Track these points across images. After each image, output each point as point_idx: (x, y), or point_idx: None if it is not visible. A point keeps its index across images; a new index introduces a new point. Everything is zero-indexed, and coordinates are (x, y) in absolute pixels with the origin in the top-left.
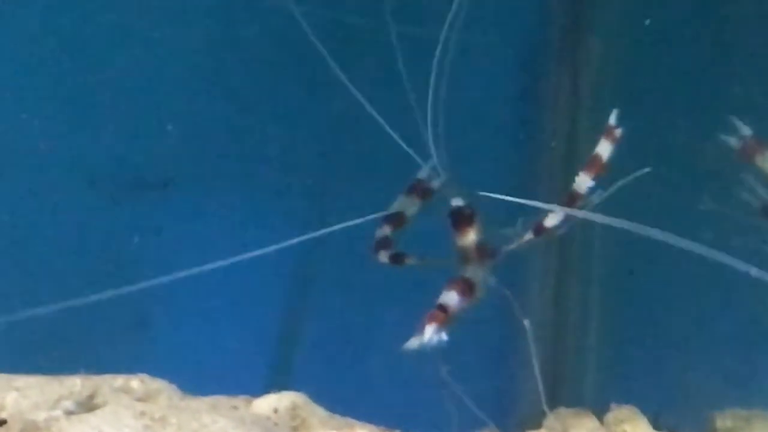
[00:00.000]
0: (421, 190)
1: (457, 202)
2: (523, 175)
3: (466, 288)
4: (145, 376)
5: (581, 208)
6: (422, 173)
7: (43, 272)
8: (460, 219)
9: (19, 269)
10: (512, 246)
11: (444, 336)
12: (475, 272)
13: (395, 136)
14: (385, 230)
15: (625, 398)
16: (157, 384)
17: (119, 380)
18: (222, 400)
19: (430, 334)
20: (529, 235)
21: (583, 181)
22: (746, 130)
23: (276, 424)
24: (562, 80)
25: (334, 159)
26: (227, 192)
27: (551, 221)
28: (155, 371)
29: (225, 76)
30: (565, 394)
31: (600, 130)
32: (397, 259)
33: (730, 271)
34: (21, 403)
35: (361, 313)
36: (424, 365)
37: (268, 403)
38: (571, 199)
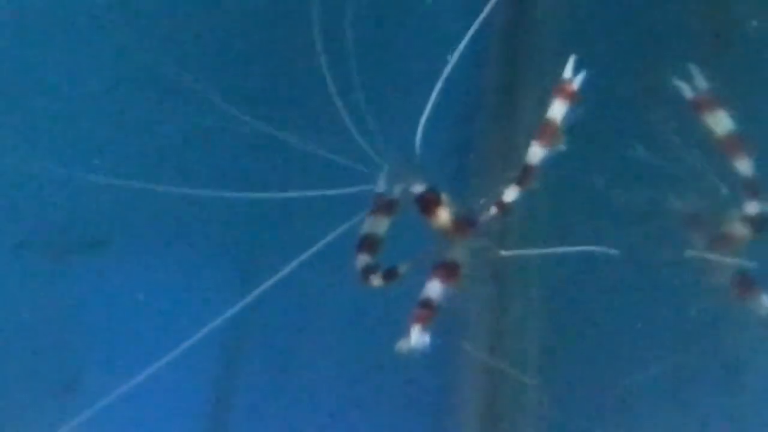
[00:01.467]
0: (385, 206)
1: (418, 188)
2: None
3: (450, 272)
4: None
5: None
6: (379, 186)
7: None
8: (427, 203)
9: None
10: (482, 219)
11: (427, 339)
12: (458, 252)
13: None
14: (364, 259)
15: None
16: None
17: None
18: None
19: (416, 336)
20: (494, 210)
21: (536, 153)
22: (702, 82)
23: None
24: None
25: (276, 218)
26: (161, 254)
27: (509, 197)
28: None
29: (158, 136)
30: None
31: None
32: (390, 275)
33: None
34: None
35: (300, 369)
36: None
37: None
38: (525, 172)
